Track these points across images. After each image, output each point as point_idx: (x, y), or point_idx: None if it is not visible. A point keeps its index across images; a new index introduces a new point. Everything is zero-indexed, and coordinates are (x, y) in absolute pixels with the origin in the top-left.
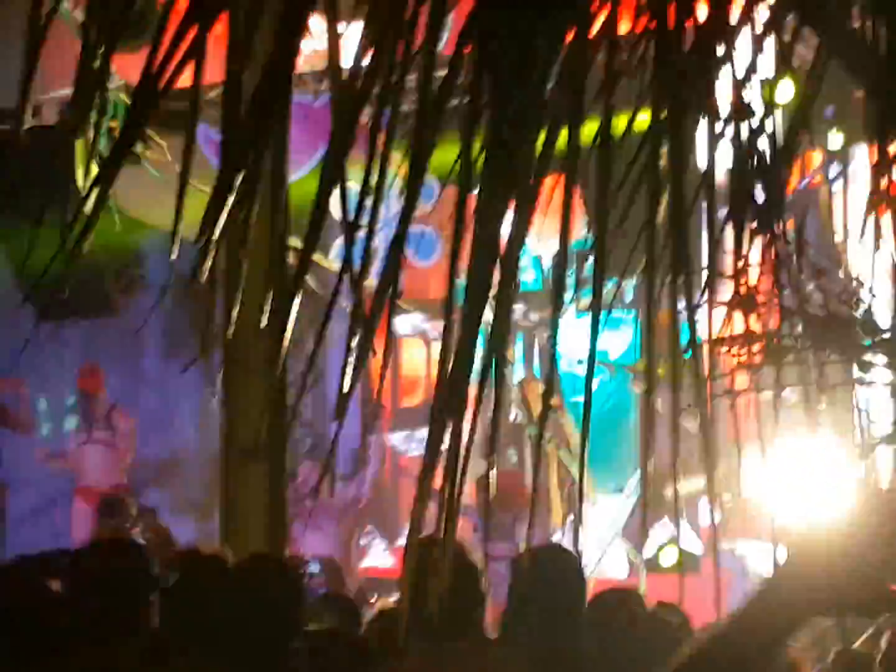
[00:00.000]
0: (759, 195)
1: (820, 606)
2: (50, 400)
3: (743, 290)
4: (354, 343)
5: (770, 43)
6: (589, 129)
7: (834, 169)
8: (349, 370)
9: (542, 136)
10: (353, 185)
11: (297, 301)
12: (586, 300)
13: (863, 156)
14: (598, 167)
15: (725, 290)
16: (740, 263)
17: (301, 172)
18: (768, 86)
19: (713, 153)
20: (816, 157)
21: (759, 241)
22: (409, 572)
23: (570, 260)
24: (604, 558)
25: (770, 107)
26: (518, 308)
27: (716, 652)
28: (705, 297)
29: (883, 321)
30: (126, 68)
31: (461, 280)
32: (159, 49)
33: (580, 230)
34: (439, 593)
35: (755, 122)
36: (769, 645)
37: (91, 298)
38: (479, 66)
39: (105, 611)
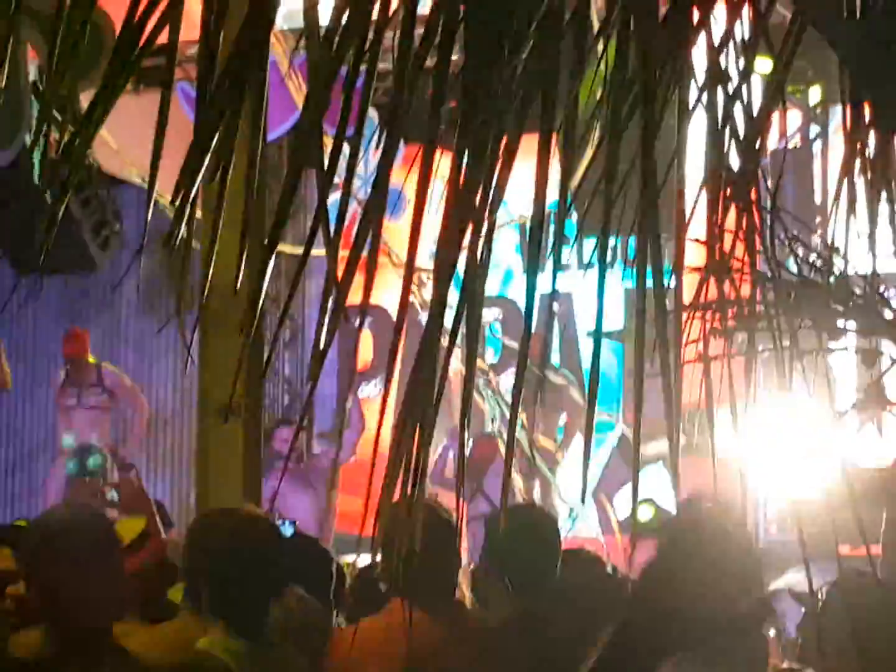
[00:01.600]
0: (735, 164)
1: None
2: (28, 360)
3: (717, 256)
4: (329, 302)
5: (746, 10)
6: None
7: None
8: (324, 330)
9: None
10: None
11: (271, 260)
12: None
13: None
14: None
15: (700, 257)
16: (715, 230)
17: (280, 132)
18: (744, 53)
19: (685, 123)
20: (796, 117)
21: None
22: (380, 534)
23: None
24: (578, 517)
25: (746, 74)
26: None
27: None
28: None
29: (856, 287)
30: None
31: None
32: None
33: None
34: (412, 554)
35: (731, 90)
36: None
37: (70, 254)
38: (454, 28)
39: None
